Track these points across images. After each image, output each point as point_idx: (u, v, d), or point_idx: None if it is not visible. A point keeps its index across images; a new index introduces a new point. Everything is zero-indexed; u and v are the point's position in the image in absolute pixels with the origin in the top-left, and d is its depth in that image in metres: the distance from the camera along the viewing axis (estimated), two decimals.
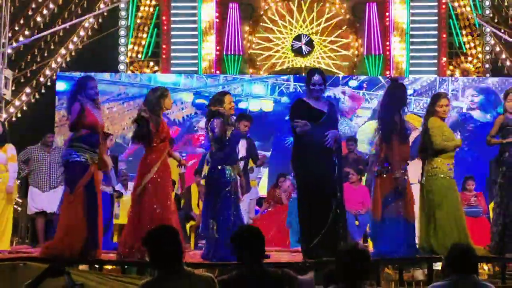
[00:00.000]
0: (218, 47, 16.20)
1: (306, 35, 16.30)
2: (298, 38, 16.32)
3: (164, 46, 16.31)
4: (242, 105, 14.62)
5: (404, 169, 8.31)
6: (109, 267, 9.15)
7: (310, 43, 16.31)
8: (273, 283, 4.76)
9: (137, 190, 8.11)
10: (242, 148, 9.84)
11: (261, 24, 16.43)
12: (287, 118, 8.81)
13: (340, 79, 15.37)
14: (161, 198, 8.10)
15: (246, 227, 5.21)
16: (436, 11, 16.28)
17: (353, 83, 15.32)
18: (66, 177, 8.25)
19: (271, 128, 14.86)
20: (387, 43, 16.16)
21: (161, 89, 8.36)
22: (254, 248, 4.80)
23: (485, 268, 10.52)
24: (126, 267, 8.74)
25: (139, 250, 7.68)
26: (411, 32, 16.13)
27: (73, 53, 16.33)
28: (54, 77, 15.73)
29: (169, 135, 8.40)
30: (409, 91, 14.71)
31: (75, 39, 16.31)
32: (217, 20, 16.24)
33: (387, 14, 16.26)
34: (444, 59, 16.23)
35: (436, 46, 16.19)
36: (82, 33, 16.36)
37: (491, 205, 9.60)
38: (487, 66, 16.17)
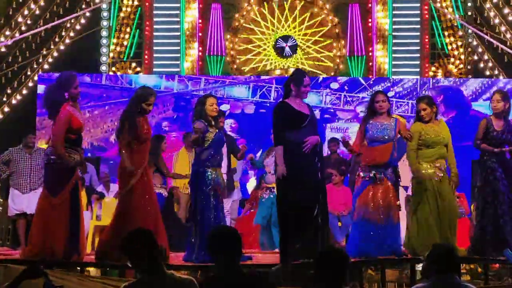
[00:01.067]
0: (200, 48, 16.15)
1: (290, 36, 16.25)
2: (281, 39, 16.27)
3: (146, 47, 16.24)
4: (223, 108, 14.53)
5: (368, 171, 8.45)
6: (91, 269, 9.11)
7: (293, 44, 16.26)
8: (248, 285, 4.64)
9: (123, 192, 8.06)
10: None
11: (244, 25, 16.39)
12: None
13: (320, 79, 15.32)
14: (148, 198, 8.08)
15: (218, 229, 4.95)
16: (418, 12, 16.31)
17: (335, 85, 15.29)
18: (50, 178, 8.08)
19: (254, 130, 14.79)
20: (370, 44, 16.16)
21: (144, 92, 8.27)
22: (228, 250, 4.61)
23: (467, 269, 10.54)
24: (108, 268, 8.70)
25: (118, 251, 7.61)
26: (393, 33, 16.14)
27: (55, 54, 16.23)
28: (36, 78, 15.62)
29: (149, 136, 8.34)
30: (391, 93, 14.72)
31: (56, 40, 16.22)
32: (200, 21, 16.20)
33: (369, 15, 16.27)
34: (427, 60, 16.26)
35: (418, 47, 16.21)
36: (63, 34, 16.27)
37: (473, 206, 9.64)
38: (469, 67, 16.21)
